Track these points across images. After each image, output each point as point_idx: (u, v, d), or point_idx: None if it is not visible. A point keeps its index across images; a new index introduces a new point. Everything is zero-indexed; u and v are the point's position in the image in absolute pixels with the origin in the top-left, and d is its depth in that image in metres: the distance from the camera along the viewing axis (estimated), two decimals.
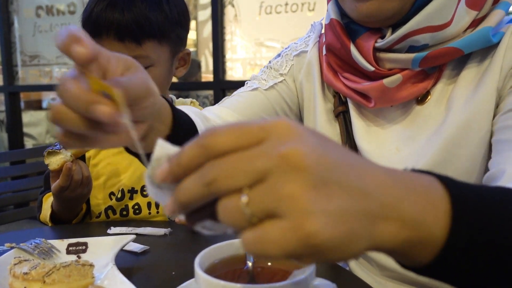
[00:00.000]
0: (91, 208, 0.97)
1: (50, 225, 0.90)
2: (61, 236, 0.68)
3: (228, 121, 0.73)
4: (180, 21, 0.94)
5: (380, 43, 0.66)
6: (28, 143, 3.43)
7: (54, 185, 0.82)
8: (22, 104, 3.46)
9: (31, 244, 0.64)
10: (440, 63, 0.66)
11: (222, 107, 0.78)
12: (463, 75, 0.66)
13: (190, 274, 0.46)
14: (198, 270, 0.41)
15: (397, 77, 0.66)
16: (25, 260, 0.56)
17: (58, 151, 0.80)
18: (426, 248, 0.31)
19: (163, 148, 0.32)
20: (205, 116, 0.66)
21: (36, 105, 3.75)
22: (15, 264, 0.55)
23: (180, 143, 0.31)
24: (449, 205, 0.31)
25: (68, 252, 0.65)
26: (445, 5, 0.61)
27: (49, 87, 3.99)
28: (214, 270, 0.43)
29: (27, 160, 1.93)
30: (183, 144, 0.29)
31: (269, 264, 0.47)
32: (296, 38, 0.86)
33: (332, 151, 0.27)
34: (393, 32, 0.65)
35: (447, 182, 0.32)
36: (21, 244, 0.64)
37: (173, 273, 0.61)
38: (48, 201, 0.92)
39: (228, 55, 2.83)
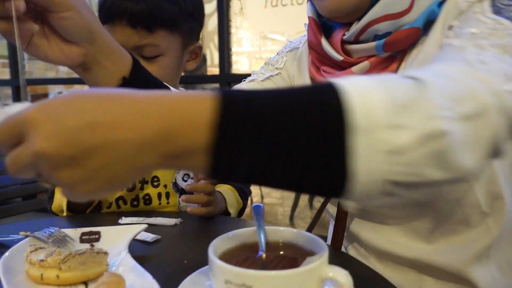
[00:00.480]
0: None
1: (65, 214, 0.91)
2: (73, 226, 0.69)
3: None
4: (194, 13, 0.95)
5: (346, 35, 0.70)
6: None
7: None
8: (29, 98, 3.48)
9: (45, 232, 0.65)
10: (406, 46, 0.67)
11: None
12: (416, 48, 0.67)
13: (202, 263, 0.47)
14: (212, 257, 0.42)
15: (365, 64, 0.69)
16: (41, 248, 0.57)
17: None
18: (196, 159, 0.36)
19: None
20: None
21: (43, 99, 3.79)
22: (31, 252, 0.56)
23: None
24: (214, 117, 0.35)
25: (82, 241, 0.66)
26: None
27: (55, 81, 4.00)
28: (227, 258, 0.44)
29: None
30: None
31: (282, 252, 0.48)
32: (302, 31, 0.89)
33: (69, 126, 0.35)
34: None
35: (223, 96, 0.36)
36: (35, 232, 0.65)
37: (185, 261, 0.62)
38: (61, 190, 0.93)
39: (234, 48, 2.83)
